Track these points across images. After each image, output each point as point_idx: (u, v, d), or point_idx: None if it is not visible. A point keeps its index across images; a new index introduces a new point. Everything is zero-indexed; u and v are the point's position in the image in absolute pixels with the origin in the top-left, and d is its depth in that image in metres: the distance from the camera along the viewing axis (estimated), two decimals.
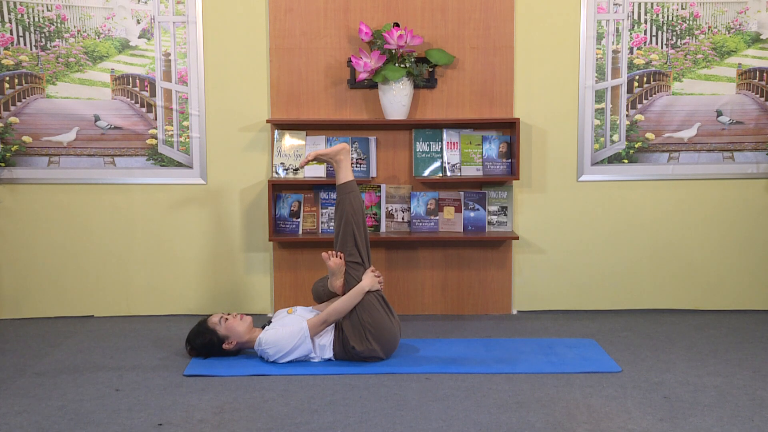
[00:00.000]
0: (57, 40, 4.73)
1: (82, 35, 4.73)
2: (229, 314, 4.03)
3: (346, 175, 4.10)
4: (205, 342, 3.98)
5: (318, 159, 4.17)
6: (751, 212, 4.90)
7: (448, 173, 4.79)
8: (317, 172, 4.77)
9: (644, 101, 4.83)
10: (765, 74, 4.82)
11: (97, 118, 4.79)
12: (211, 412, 3.34)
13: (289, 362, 3.90)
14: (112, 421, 3.25)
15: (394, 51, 4.58)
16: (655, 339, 4.37)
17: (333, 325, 3.97)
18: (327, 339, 3.94)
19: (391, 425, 3.18)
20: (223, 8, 4.74)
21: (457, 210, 4.82)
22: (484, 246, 4.88)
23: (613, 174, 4.87)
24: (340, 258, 4.02)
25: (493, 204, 4.84)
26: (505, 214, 4.84)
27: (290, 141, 4.79)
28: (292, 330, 3.88)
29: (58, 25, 4.72)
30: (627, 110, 4.83)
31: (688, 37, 4.79)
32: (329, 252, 4.02)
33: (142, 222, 4.85)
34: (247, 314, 4.12)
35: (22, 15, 4.71)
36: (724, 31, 4.79)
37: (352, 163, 4.75)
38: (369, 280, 3.97)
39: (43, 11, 4.71)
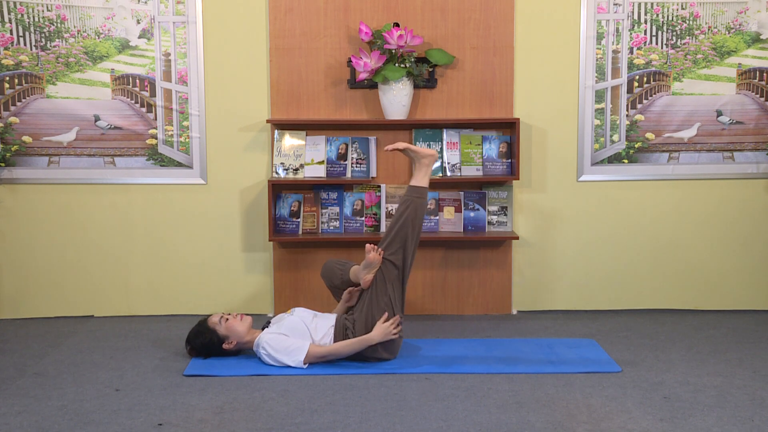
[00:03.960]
0: (57, 40, 4.73)
1: (82, 35, 4.73)
2: (229, 314, 4.03)
3: (423, 179, 4.04)
4: (205, 342, 3.97)
5: (406, 151, 4.07)
6: (751, 212, 4.90)
7: (448, 173, 4.78)
8: (317, 172, 4.77)
9: (644, 101, 4.83)
10: (765, 74, 4.82)
11: (97, 118, 4.79)
12: (211, 412, 3.34)
13: None
14: (112, 421, 3.25)
15: (394, 51, 4.58)
16: (655, 339, 4.37)
17: (333, 325, 3.96)
18: (327, 339, 3.94)
19: (391, 425, 3.18)
20: (223, 8, 4.74)
21: (457, 210, 4.83)
22: (484, 246, 4.87)
23: (613, 174, 4.87)
24: (380, 254, 3.95)
25: (493, 204, 4.84)
26: (505, 214, 4.84)
27: (290, 141, 4.79)
28: (292, 348, 3.82)
29: (58, 25, 4.72)
30: (627, 110, 4.83)
31: (688, 37, 4.79)
32: (373, 245, 3.94)
33: (142, 222, 4.85)
34: (247, 314, 4.11)
35: (22, 15, 4.71)
36: (724, 31, 4.79)
37: (351, 163, 4.76)
38: (380, 332, 3.85)
39: (43, 11, 4.71)
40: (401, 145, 4.05)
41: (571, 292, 4.93)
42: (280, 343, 3.85)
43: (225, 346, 3.96)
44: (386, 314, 3.90)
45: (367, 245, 3.92)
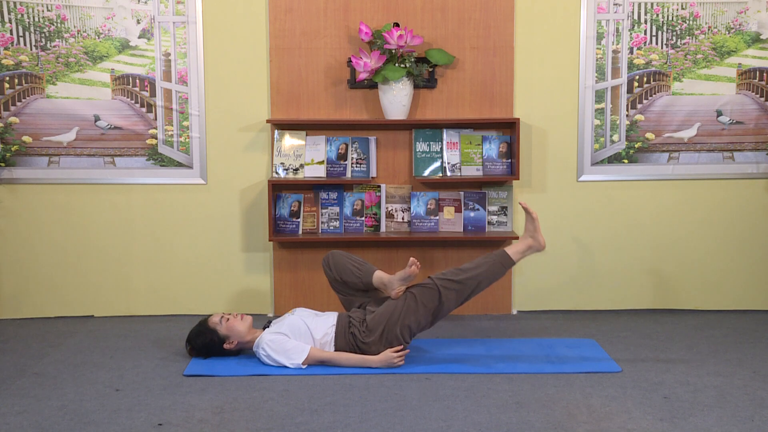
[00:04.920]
0: (57, 40, 4.73)
1: (82, 35, 4.73)
2: (230, 314, 4.03)
3: (517, 254, 3.97)
4: (205, 342, 3.97)
5: (533, 222, 3.95)
6: (751, 212, 4.90)
7: (448, 173, 4.79)
8: (317, 172, 4.77)
9: (644, 101, 4.83)
10: (765, 74, 4.82)
11: (97, 118, 4.79)
12: (211, 412, 3.34)
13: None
14: (112, 421, 3.25)
15: (394, 51, 4.58)
16: (655, 339, 4.37)
17: (334, 324, 3.95)
18: (329, 338, 3.93)
19: (391, 425, 3.18)
20: (223, 8, 4.74)
21: (457, 210, 4.83)
22: (484, 246, 4.87)
23: (613, 174, 4.87)
24: (418, 267, 3.86)
25: (493, 204, 4.84)
26: (505, 214, 4.84)
27: (290, 141, 4.79)
28: (292, 351, 3.82)
29: (58, 25, 4.72)
30: (627, 110, 4.83)
31: (688, 37, 4.79)
32: (416, 260, 3.86)
33: (142, 222, 4.85)
34: (248, 314, 4.11)
35: (22, 15, 4.71)
36: (724, 31, 4.79)
37: (351, 163, 4.76)
38: (384, 359, 3.83)
39: (43, 11, 4.71)
40: (534, 213, 3.96)
41: (571, 292, 4.93)
42: (280, 345, 3.84)
43: (226, 346, 3.96)
44: (401, 347, 3.88)
45: (413, 258, 3.87)
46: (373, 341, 3.87)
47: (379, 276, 3.98)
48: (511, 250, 4.01)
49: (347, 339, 3.91)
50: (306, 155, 4.79)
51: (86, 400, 3.48)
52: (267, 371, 3.80)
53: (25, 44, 4.73)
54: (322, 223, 4.84)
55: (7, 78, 4.74)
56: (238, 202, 4.86)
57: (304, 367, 3.81)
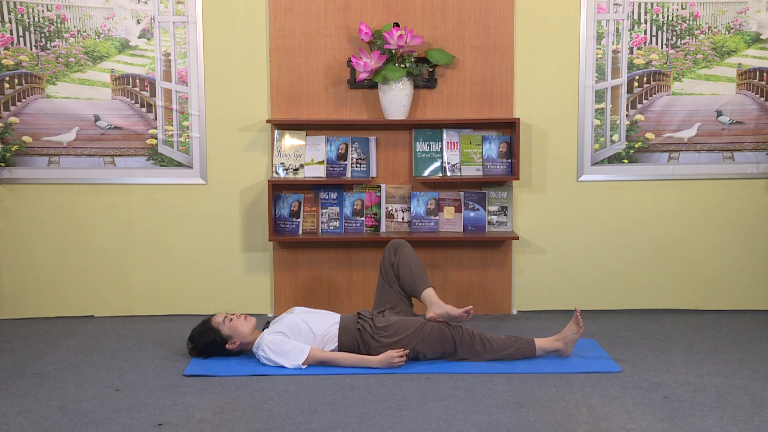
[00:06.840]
0: (57, 40, 4.73)
1: (82, 35, 4.73)
2: (233, 314, 4.02)
3: (542, 352, 3.95)
4: (208, 341, 3.97)
5: (576, 330, 3.93)
6: (751, 212, 4.90)
7: (448, 173, 4.79)
8: (317, 172, 4.77)
9: (644, 101, 4.83)
10: (765, 74, 4.82)
11: (97, 118, 4.79)
12: (211, 412, 3.34)
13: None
14: (112, 421, 3.25)
15: (394, 51, 4.58)
16: (655, 339, 4.37)
17: (336, 323, 3.95)
18: (330, 337, 3.93)
19: (391, 425, 3.18)
20: (223, 8, 4.74)
21: (457, 210, 4.83)
22: (484, 246, 4.87)
23: (613, 174, 4.87)
24: (468, 316, 3.85)
25: (493, 204, 4.84)
26: (505, 214, 4.84)
27: (290, 141, 4.79)
28: (292, 352, 3.82)
29: (58, 25, 4.72)
30: (627, 110, 4.83)
31: (688, 37, 4.79)
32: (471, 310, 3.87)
33: (142, 222, 4.85)
34: (251, 315, 4.10)
35: (22, 15, 4.71)
36: (724, 31, 4.79)
37: (351, 163, 4.76)
38: (385, 360, 3.83)
39: (43, 11, 4.71)
40: (582, 328, 3.93)
41: (571, 292, 4.93)
42: (281, 346, 3.84)
43: (228, 346, 3.95)
44: (402, 350, 3.87)
45: (471, 307, 3.87)
46: (390, 343, 3.86)
47: (429, 294, 3.99)
48: (539, 344, 3.97)
49: (353, 335, 3.91)
50: (306, 155, 4.79)
51: (86, 400, 3.48)
52: (267, 371, 3.80)
53: (25, 44, 4.73)
54: (322, 223, 4.84)
55: (7, 78, 4.74)
56: (238, 202, 4.86)
57: (304, 367, 3.81)
